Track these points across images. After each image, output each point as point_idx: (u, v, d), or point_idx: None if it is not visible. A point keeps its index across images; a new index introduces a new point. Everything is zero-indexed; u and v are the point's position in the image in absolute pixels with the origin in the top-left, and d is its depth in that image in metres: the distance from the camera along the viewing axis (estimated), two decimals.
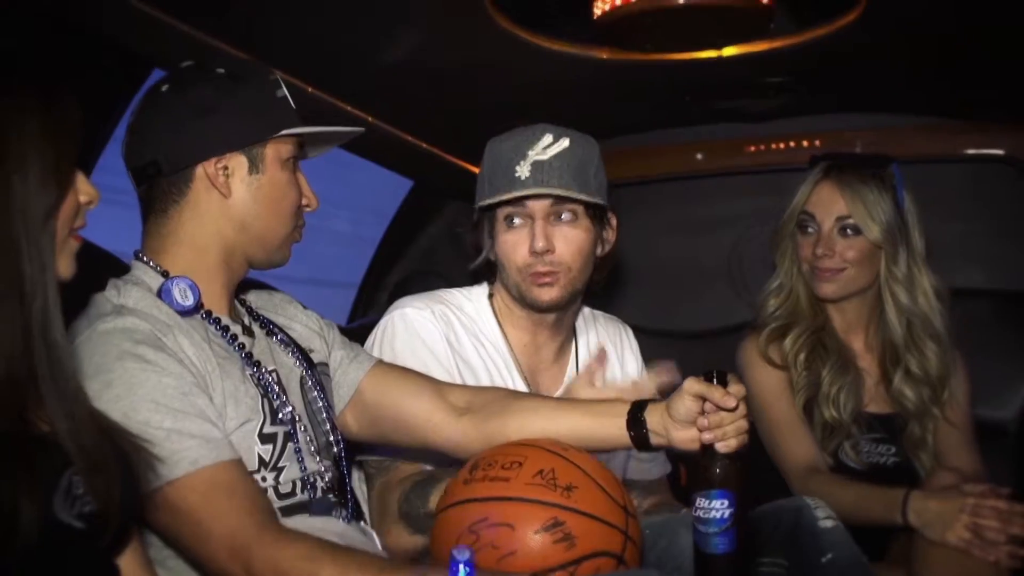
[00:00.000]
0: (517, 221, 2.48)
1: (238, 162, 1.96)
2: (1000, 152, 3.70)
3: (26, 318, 1.40)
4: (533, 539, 1.86)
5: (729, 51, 3.10)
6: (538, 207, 2.44)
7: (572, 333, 2.72)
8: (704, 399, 1.94)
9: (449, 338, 2.51)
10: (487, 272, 2.65)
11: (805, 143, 3.79)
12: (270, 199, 1.99)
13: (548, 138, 2.43)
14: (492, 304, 2.63)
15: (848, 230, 2.82)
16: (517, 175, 2.42)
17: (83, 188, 1.51)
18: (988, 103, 3.52)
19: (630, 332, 2.87)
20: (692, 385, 1.97)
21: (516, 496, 1.90)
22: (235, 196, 1.96)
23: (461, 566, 1.56)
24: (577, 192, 2.42)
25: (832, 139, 3.71)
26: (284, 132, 1.99)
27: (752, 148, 3.90)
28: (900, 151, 3.51)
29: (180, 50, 2.37)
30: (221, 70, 1.99)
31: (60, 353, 1.45)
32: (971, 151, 3.75)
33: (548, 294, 2.48)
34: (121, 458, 1.54)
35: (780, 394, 2.84)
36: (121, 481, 1.51)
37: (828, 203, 2.84)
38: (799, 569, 2.15)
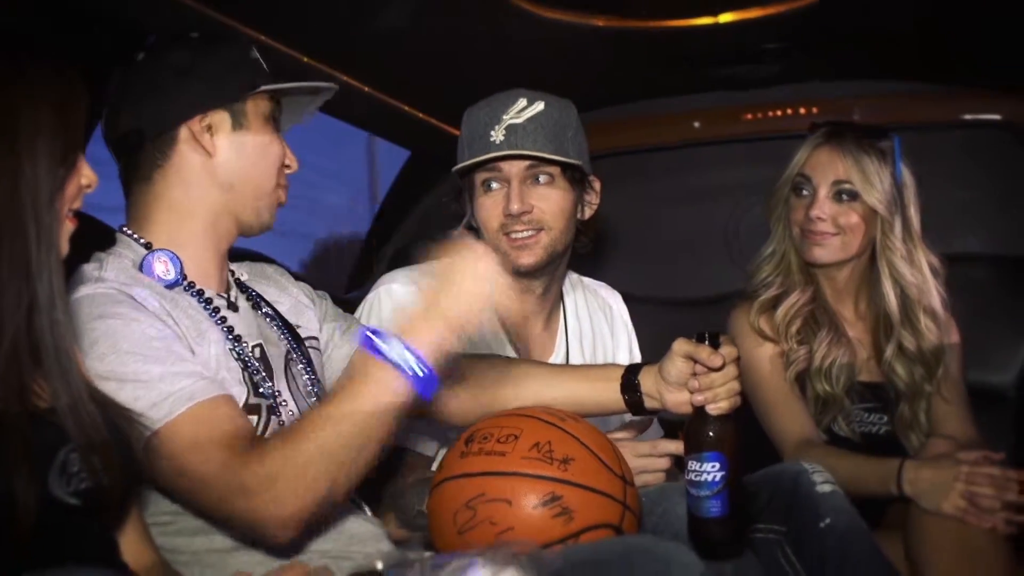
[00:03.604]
0: (494, 185, 2.50)
1: (221, 119, 1.95)
2: (997, 117, 3.70)
3: (32, 297, 1.42)
4: (531, 514, 1.85)
5: (725, 17, 3.10)
6: (513, 170, 2.46)
7: (560, 300, 2.72)
8: (694, 360, 1.94)
9: None
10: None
11: (802, 110, 3.78)
12: (254, 155, 1.98)
13: (522, 102, 2.45)
14: None
15: (844, 195, 2.79)
16: (492, 139, 2.44)
17: (84, 172, 1.53)
18: (985, 68, 3.51)
19: (619, 298, 2.88)
20: (681, 346, 1.97)
21: (513, 471, 1.89)
22: (220, 155, 1.95)
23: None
24: (551, 154, 2.43)
25: (829, 106, 3.71)
26: (265, 88, 1.98)
27: (749, 116, 3.89)
28: (897, 117, 3.52)
29: (175, 20, 2.37)
30: (195, 35, 1.99)
31: (63, 331, 1.46)
32: (968, 117, 3.75)
33: (527, 258, 2.49)
34: (117, 434, 1.55)
35: (772, 367, 2.82)
36: (119, 457, 1.52)
37: (825, 166, 2.81)
38: (797, 534, 2.15)
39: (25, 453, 1.36)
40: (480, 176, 2.50)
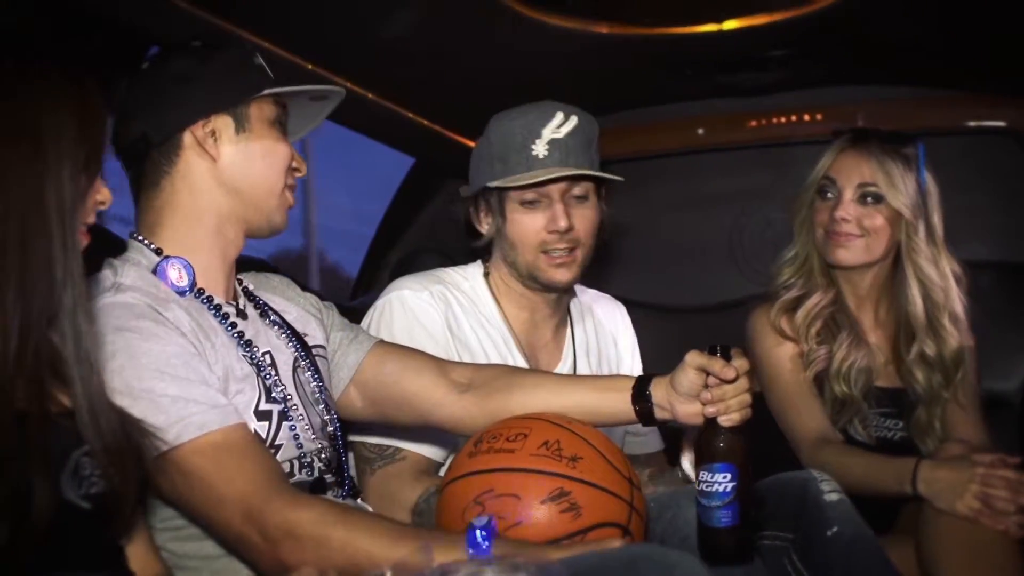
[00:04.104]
0: (535, 201, 2.47)
1: (224, 123, 1.97)
2: (1002, 124, 3.70)
3: (56, 302, 1.42)
4: (539, 509, 1.86)
5: (729, 24, 3.10)
6: (556, 187, 2.45)
7: (567, 310, 2.72)
8: (706, 372, 1.94)
9: (448, 319, 2.50)
10: (483, 250, 2.64)
11: (806, 117, 3.78)
12: (259, 157, 1.99)
13: (560, 116, 2.44)
14: (488, 282, 2.62)
15: (869, 198, 2.79)
16: (534, 154, 2.43)
17: (100, 188, 1.54)
18: (989, 75, 3.51)
19: (622, 307, 2.88)
20: (694, 358, 1.96)
21: (521, 467, 1.90)
22: (224, 159, 1.96)
23: (478, 531, 1.58)
24: (590, 169, 2.44)
25: (834, 112, 3.71)
26: (267, 91, 2.00)
27: (753, 122, 3.89)
28: (902, 124, 3.50)
29: (181, 30, 2.37)
30: (197, 43, 2.01)
31: (85, 337, 1.47)
32: (972, 123, 3.75)
33: (564, 276, 2.50)
34: (131, 441, 1.55)
35: (791, 366, 2.83)
36: (132, 464, 1.53)
37: (851, 169, 2.81)
38: (804, 542, 2.15)
39: (44, 456, 1.38)
40: (520, 192, 2.46)
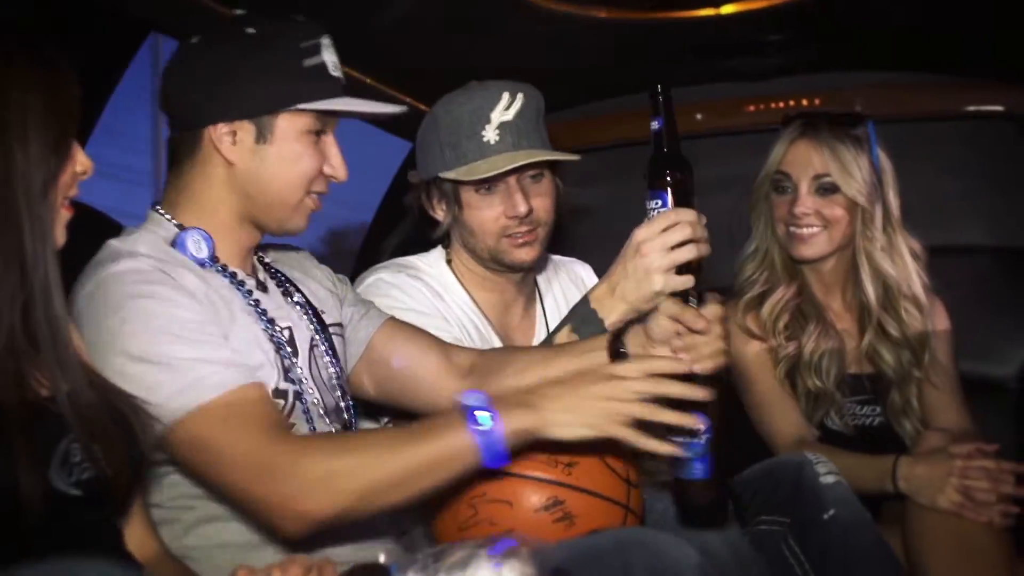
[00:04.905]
0: (490, 187, 2.44)
1: (246, 130, 1.91)
2: (1000, 108, 3.68)
3: (28, 289, 1.42)
4: (532, 517, 1.85)
5: (728, 9, 3.09)
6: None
7: (534, 283, 2.71)
8: (678, 320, 1.94)
9: (429, 299, 2.50)
10: (443, 237, 2.62)
11: (805, 102, 3.76)
12: (275, 170, 1.93)
13: (506, 96, 2.42)
14: (452, 268, 2.60)
15: (825, 189, 2.77)
16: (485, 140, 2.40)
17: (79, 158, 1.53)
18: (988, 60, 3.50)
19: (589, 269, 2.84)
20: (668, 307, 1.97)
21: (515, 472, 1.87)
22: (239, 165, 1.93)
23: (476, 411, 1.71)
24: (542, 148, 2.43)
25: (832, 98, 3.69)
26: (298, 106, 1.92)
27: (752, 108, 3.87)
28: (900, 109, 3.50)
29: (174, 13, 2.36)
30: (252, 30, 1.92)
31: (60, 323, 1.47)
32: (971, 108, 3.73)
33: (529, 254, 2.49)
34: (121, 423, 1.55)
35: (761, 366, 2.80)
36: (122, 446, 1.52)
37: (803, 161, 2.79)
38: (800, 526, 2.15)
39: (26, 443, 1.37)
40: (474, 180, 2.42)
